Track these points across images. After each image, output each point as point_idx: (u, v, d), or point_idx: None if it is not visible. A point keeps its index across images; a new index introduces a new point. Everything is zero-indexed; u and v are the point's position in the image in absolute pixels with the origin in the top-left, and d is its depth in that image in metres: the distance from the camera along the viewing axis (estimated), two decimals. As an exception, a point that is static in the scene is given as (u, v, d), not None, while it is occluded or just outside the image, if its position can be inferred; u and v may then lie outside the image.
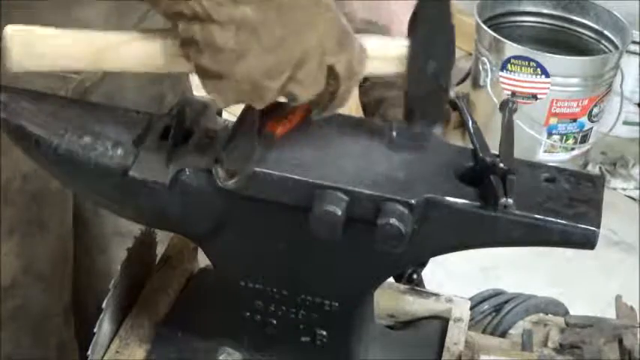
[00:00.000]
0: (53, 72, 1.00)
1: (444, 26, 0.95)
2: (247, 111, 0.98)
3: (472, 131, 1.01)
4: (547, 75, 2.83)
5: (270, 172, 0.94)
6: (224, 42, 0.85)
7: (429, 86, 0.96)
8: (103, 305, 1.06)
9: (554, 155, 2.95)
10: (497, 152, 0.97)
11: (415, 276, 1.28)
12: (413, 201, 0.92)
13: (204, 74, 0.89)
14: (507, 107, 1.04)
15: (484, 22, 2.96)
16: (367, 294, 1.06)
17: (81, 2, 1.14)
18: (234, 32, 0.85)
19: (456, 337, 1.15)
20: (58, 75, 1.17)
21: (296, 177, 0.93)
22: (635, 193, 3.02)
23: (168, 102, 1.28)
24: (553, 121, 2.91)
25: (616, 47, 2.99)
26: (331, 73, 0.90)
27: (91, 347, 1.05)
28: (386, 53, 0.96)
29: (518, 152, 0.98)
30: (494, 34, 2.89)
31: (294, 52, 0.87)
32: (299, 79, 0.89)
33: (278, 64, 0.87)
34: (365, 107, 1.35)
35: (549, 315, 1.32)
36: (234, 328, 1.08)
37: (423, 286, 1.27)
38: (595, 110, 2.95)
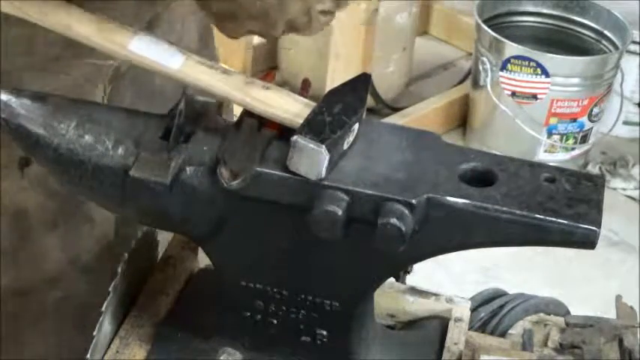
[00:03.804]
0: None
1: None
2: (247, 110, 0.98)
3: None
4: (547, 75, 2.83)
5: (272, 171, 0.94)
6: None
7: None
8: (103, 308, 1.06)
9: (554, 155, 2.95)
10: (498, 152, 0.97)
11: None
12: (414, 201, 0.92)
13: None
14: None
15: (484, 22, 2.96)
16: (367, 294, 1.06)
17: None
18: None
19: (456, 337, 1.15)
20: (94, 65, 1.17)
21: (297, 176, 0.93)
22: (635, 193, 3.02)
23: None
24: (553, 121, 2.91)
25: (616, 47, 2.99)
26: None
27: (90, 349, 1.05)
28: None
29: (519, 152, 0.98)
30: (494, 34, 2.89)
31: None
32: None
33: None
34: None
35: (549, 315, 1.32)
36: (235, 328, 1.08)
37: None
38: (595, 110, 2.95)
